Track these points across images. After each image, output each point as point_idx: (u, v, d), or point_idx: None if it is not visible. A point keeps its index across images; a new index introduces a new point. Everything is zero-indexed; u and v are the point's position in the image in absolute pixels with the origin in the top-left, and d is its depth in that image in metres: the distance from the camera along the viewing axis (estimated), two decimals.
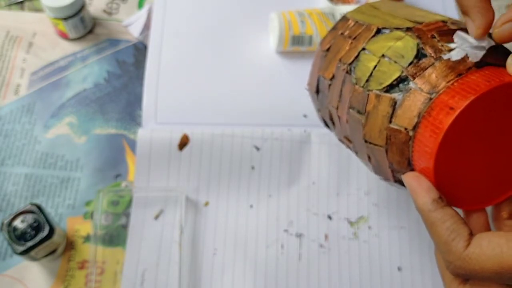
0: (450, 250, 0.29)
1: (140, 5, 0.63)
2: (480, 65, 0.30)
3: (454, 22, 0.34)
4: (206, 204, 0.51)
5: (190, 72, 0.57)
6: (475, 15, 0.30)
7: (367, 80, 0.34)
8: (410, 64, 0.32)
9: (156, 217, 0.50)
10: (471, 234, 0.29)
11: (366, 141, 0.35)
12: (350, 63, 0.36)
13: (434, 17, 0.34)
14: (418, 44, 0.32)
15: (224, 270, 0.48)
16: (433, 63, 0.31)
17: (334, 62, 0.38)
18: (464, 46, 0.31)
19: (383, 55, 0.33)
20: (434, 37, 0.32)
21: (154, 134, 0.52)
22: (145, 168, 0.51)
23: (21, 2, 0.62)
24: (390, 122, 0.32)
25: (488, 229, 0.33)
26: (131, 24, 0.61)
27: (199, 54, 0.59)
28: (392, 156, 0.34)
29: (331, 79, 0.38)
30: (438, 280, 0.48)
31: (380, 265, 0.49)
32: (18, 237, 0.42)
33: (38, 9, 0.62)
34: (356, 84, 0.35)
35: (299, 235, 0.50)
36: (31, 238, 0.42)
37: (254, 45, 0.60)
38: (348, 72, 0.36)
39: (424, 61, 0.31)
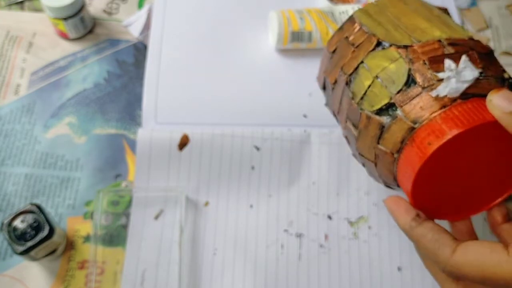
0: (439, 259, 0.31)
1: (140, 5, 0.63)
2: (466, 96, 0.31)
3: (451, 42, 0.34)
4: (206, 204, 0.51)
5: (190, 72, 0.57)
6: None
7: (361, 98, 0.36)
8: (399, 91, 0.33)
9: (156, 217, 0.50)
10: (455, 240, 0.31)
11: (359, 153, 0.37)
12: (350, 74, 0.37)
13: (433, 34, 0.35)
14: (409, 70, 0.33)
15: (224, 270, 0.48)
16: (420, 93, 0.32)
17: (337, 69, 0.39)
18: (450, 79, 0.32)
19: (377, 76, 0.35)
20: (425, 64, 0.33)
21: (154, 134, 0.52)
22: (145, 168, 0.51)
23: (21, 2, 0.62)
24: (378, 143, 0.34)
25: (472, 233, 0.35)
26: (131, 24, 0.61)
27: (199, 54, 0.59)
28: (380, 170, 0.36)
29: (334, 83, 0.40)
30: None
31: (380, 265, 0.49)
32: (18, 237, 0.42)
33: (38, 9, 0.62)
34: (352, 99, 0.36)
35: (299, 235, 0.50)
36: (31, 238, 0.42)
37: (254, 45, 0.60)
38: (347, 84, 0.37)
39: (412, 90, 0.33)
